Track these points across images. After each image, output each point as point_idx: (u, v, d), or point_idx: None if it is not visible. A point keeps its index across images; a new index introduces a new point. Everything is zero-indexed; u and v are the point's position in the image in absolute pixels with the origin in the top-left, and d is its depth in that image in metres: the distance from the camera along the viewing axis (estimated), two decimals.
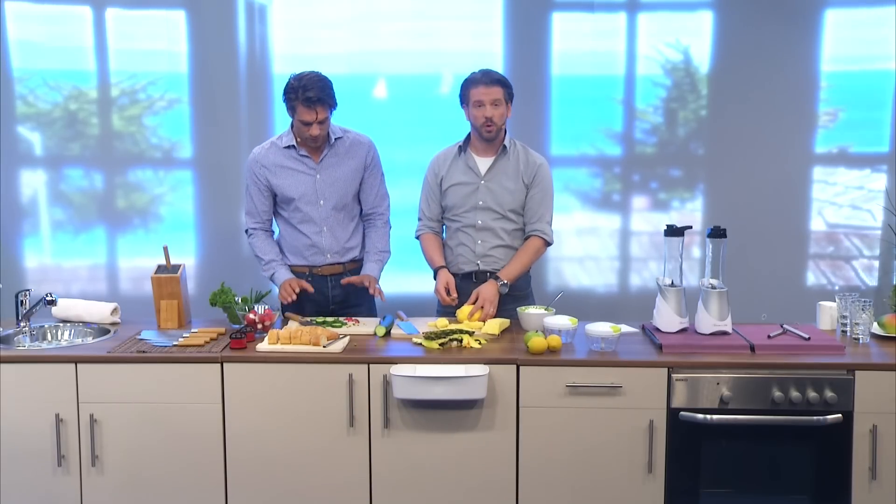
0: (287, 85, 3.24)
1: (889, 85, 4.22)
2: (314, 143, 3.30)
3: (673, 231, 3.02)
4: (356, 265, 3.47)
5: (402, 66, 4.16)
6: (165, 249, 3.32)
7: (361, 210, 3.50)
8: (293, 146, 3.35)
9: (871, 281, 4.38)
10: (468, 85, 3.28)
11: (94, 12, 4.17)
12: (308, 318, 3.24)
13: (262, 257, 3.42)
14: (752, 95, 4.22)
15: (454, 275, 3.38)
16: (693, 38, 4.24)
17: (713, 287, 2.98)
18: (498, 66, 4.11)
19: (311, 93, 3.15)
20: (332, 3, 4.23)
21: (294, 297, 3.28)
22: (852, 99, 4.26)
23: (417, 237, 3.48)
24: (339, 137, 3.38)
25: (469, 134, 3.39)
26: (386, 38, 4.17)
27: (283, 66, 4.24)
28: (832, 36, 4.20)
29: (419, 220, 3.48)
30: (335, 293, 3.46)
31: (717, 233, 2.98)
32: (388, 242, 3.49)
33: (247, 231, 3.47)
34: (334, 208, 3.38)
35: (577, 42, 4.24)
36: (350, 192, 3.41)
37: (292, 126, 3.35)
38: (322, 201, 3.36)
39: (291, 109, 3.25)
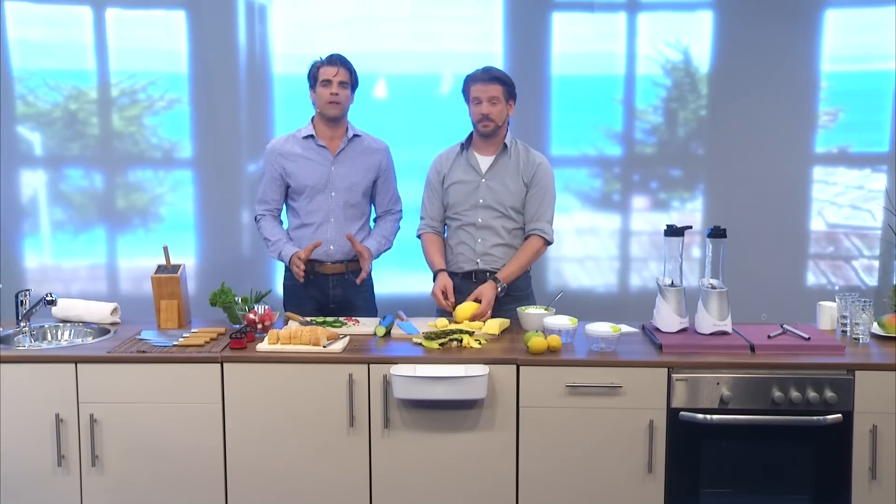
0: (311, 65, 3.41)
1: (889, 85, 4.23)
2: (335, 108, 3.37)
3: (673, 231, 3.02)
4: (357, 266, 3.47)
5: (402, 66, 4.17)
6: (165, 249, 3.32)
7: (373, 212, 3.58)
8: (312, 136, 3.43)
9: (871, 281, 4.38)
10: (469, 81, 3.31)
11: (94, 12, 4.17)
12: (308, 318, 3.24)
13: (270, 238, 3.46)
14: (752, 95, 4.22)
15: (454, 273, 3.39)
16: (693, 38, 4.24)
17: (713, 287, 2.98)
18: (498, 66, 4.11)
19: (334, 56, 3.39)
20: (333, 3, 4.23)
21: (302, 271, 3.33)
22: (852, 99, 4.26)
23: (418, 236, 3.49)
24: (357, 135, 3.47)
25: (471, 132, 3.39)
26: (386, 38, 4.17)
27: (283, 66, 4.24)
28: (832, 36, 4.20)
29: (421, 218, 3.49)
30: (336, 293, 3.47)
31: (717, 233, 2.98)
32: (394, 236, 3.57)
33: (256, 218, 3.52)
34: (344, 202, 3.44)
35: (577, 42, 4.24)
36: (360, 189, 3.46)
37: (312, 120, 3.45)
38: (333, 193, 3.42)
39: (314, 79, 3.39)
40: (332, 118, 3.40)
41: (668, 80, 4.29)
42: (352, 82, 3.41)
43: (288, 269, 3.50)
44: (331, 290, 3.46)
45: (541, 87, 4.23)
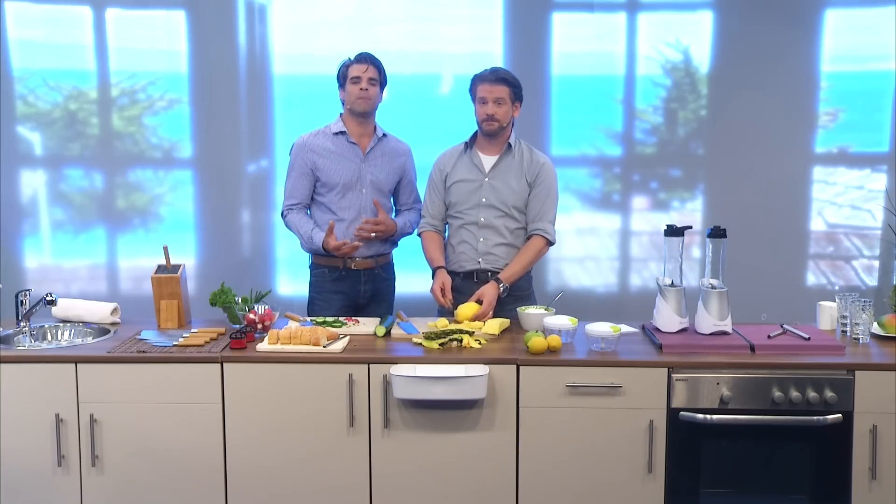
0: (340, 64, 3.47)
1: (889, 85, 4.23)
2: (365, 104, 3.41)
3: (673, 231, 3.02)
4: (385, 259, 3.57)
5: (403, 66, 4.16)
6: (165, 249, 3.32)
7: (396, 208, 3.62)
8: (343, 132, 3.47)
9: (871, 281, 4.38)
10: (476, 80, 3.33)
11: (94, 12, 4.17)
12: (308, 319, 3.24)
13: (302, 228, 3.46)
14: (752, 95, 4.22)
15: (456, 273, 3.40)
16: (693, 38, 4.24)
17: (713, 287, 2.97)
18: (498, 66, 4.12)
19: (363, 53, 3.45)
20: (332, 3, 4.23)
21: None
22: (852, 99, 4.26)
23: (418, 234, 3.50)
24: (385, 134, 3.54)
25: (476, 132, 3.40)
26: (386, 38, 4.17)
27: (283, 66, 4.24)
28: (832, 36, 4.20)
29: (422, 217, 3.50)
30: (366, 287, 3.53)
31: (717, 233, 2.98)
32: (416, 224, 3.59)
33: (283, 213, 3.53)
34: (373, 199, 3.47)
35: (577, 42, 4.24)
36: (388, 187, 3.53)
37: (341, 116, 3.50)
38: (364, 190, 3.47)
39: (343, 78, 3.44)
40: (362, 114, 3.44)
41: (668, 80, 4.29)
42: (381, 80, 3.45)
43: (313, 267, 3.55)
44: (361, 285, 3.51)
45: (541, 87, 4.22)
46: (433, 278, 3.36)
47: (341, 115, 3.51)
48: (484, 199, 3.36)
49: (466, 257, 3.39)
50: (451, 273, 3.39)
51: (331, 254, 3.40)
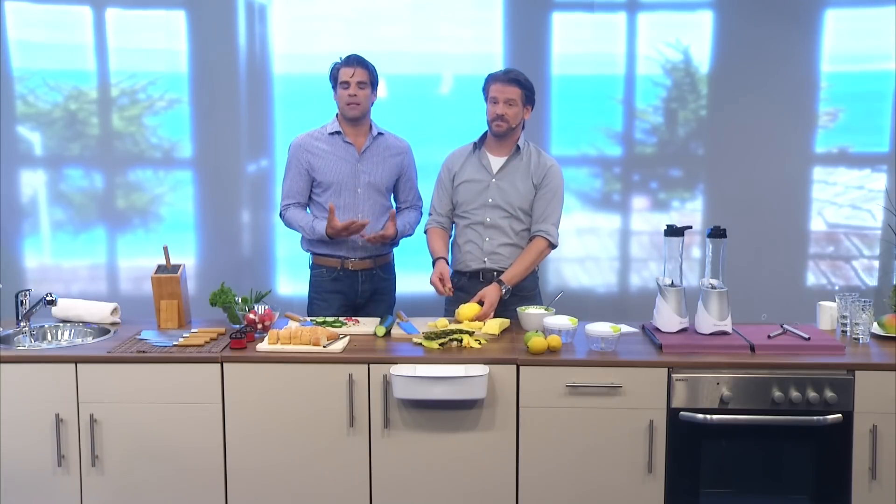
0: (331, 66, 3.45)
1: (889, 85, 4.23)
2: (354, 110, 3.40)
3: (673, 231, 3.02)
4: (385, 260, 3.57)
5: (403, 66, 4.17)
6: (165, 249, 3.32)
7: (396, 206, 3.60)
8: (338, 132, 3.46)
9: (871, 281, 4.38)
10: (489, 80, 3.33)
11: (93, 12, 4.17)
12: (308, 319, 3.25)
13: (302, 223, 3.46)
14: (752, 95, 4.22)
15: (461, 272, 3.41)
16: (693, 38, 4.24)
17: (713, 287, 2.98)
18: (498, 66, 4.11)
19: (351, 56, 3.42)
20: (333, 3, 4.23)
21: (353, 224, 3.33)
22: (852, 99, 4.26)
23: (424, 231, 3.51)
24: (380, 133, 3.53)
25: (485, 132, 3.40)
26: (386, 39, 4.17)
27: (283, 66, 4.24)
28: (832, 36, 4.20)
29: (429, 214, 3.52)
30: (364, 288, 3.53)
31: (717, 233, 2.98)
32: (416, 224, 3.60)
33: (281, 214, 3.53)
34: (370, 199, 3.47)
35: (577, 42, 4.24)
36: (385, 186, 3.51)
37: (337, 116, 3.49)
38: (360, 189, 3.46)
39: (334, 80, 3.43)
40: (352, 119, 3.43)
41: (668, 80, 4.29)
42: (371, 81, 3.43)
43: (312, 267, 3.55)
44: (359, 285, 3.51)
45: (541, 87, 4.20)
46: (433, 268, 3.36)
47: (337, 115, 3.51)
48: (490, 200, 3.36)
49: (472, 257, 3.40)
50: (456, 272, 3.42)
51: (333, 242, 3.41)
